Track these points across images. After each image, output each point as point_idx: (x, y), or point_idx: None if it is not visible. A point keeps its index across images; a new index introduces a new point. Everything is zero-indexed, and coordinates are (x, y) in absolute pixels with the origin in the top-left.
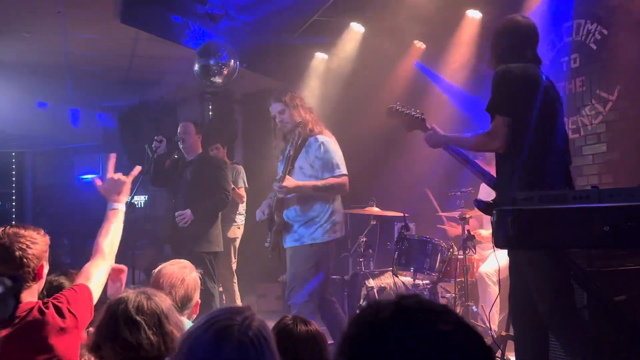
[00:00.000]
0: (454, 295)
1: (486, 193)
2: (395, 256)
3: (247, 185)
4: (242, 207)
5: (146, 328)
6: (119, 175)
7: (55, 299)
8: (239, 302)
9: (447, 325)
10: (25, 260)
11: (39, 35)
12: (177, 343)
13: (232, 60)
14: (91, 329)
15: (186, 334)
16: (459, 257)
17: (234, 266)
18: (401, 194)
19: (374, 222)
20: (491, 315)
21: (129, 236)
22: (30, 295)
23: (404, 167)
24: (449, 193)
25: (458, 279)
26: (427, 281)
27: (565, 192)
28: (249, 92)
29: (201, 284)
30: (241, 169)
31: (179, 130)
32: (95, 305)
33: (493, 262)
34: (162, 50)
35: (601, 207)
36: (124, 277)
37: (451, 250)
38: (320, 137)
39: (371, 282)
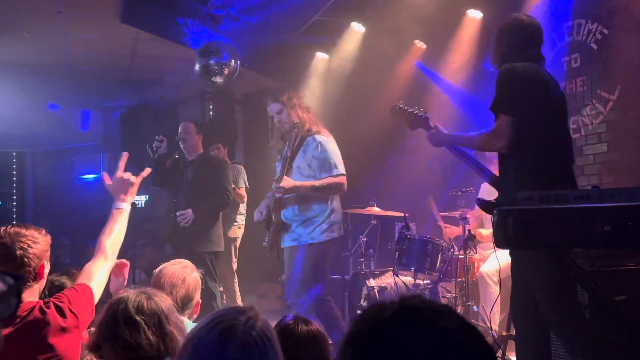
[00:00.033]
0: (454, 295)
1: (487, 193)
2: (396, 256)
3: (247, 185)
4: (242, 207)
5: (146, 328)
6: (128, 175)
7: (56, 298)
8: (239, 302)
9: (449, 324)
10: (26, 259)
11: (39, 35)
12: (181, 343)
13: (233, 60)
14: (92, 329)
15: (190, 334)
16: (460, 257)
17: (235, 266)
18: (402, 194)
19: (375, 222)
20: (492, 315)
21: (130, 236)
22: (31, 295)
23: (405, 167)
24: (450, 193)
25: (459, 279)
26: (428, 281)
27: (565, 192)
28: (249, 92)
29: (202, 284)
30: (242, 168)
31: (179, 130)
32: (97, 305)
33: (494, 261)
34: (162, 50)
35: (602, 207)
36: (126, 271)
37: (452, 250)
38: (318, 137)
39: (372, 282)
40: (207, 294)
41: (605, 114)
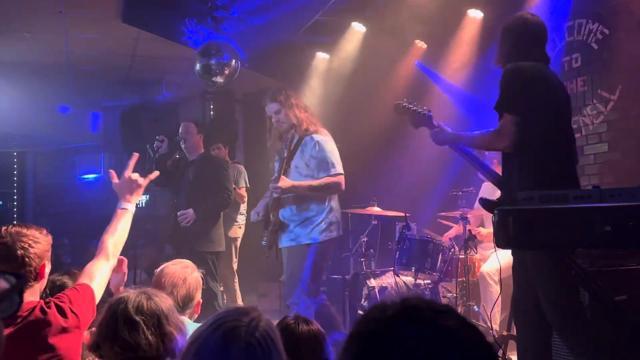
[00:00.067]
0: (455, 295)
1: (488, 193)
2: (397, 256)
3: (248, 185)
4: (243, 207)
5: (145, 328)
6: (136, 176)
7: (57, 298)
8: (240, 302)
9: (450, 323)
10: (27, 259)
11: (39, 35)
12: (181, 344)
13: (234, 60)
14: (94, 329)
15: (194, 335)
16: (460, 256)
17: (235, 266)
18: (402, 194)
19: (375, 222)
20: (493, 314)
21: (130, 236)
22: (32, 295)
23: (405, 167)
24: (450, 193)
25: (459, 279)
26: (429, 281)
27: (566, 192)
28: (249, 92)
29: (203, 284)
30: (242, 168)
31: (180, 130)
32: (98, 305)
33: (494, 261)
34: (163, 50)
35: (602, 207)
36: (125, 266)
37: (452, 250)
38: (316, 136)
39: (372, 282)
40: (209, 293)
41: (606, 113)
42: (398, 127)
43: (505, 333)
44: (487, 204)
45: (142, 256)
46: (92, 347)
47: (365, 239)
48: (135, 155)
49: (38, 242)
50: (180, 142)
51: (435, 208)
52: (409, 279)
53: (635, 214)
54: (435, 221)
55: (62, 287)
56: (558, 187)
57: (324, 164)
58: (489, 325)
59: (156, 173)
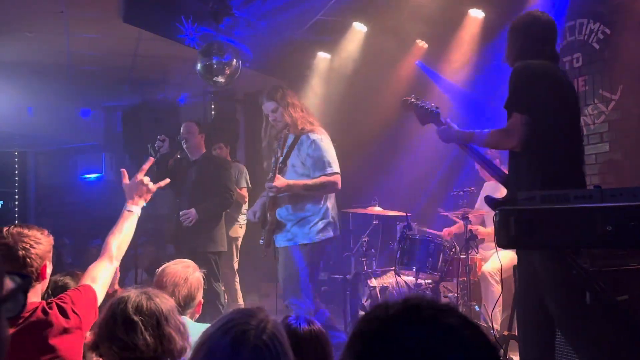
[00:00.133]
0: (456, 294)
1: (491, 191)
2: (398, 255)
3: (249, 185)
4: (244, 207)
5: (143, 329)
6: (147, 180)
7: (59, 299)
8: (241, 301)
9: (452, 322)
10: (28, 260)
11: (41, 35)
12: (180, 345)
13: (235, 60)
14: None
15: (202, 338)
16: (462, 256)
17: (236, 265)
18: (403, 194)
19: (377, 222)
20: (494, 314)
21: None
22: (34, 295)
23: (407, 167)
24: (452, 192)
25: (460, 279)
26: (430, 280)
27: (567, 192)
28: (251, 92)
29: (205, 284)
30: (244, 168)
31: (182, 130)
32: (100, 306)
33: (496, 261)
34: (164, 49)
35: (603, 207)
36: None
37: (453, 249)
38: (312, 135)
39: (373, 282)
40: (211, 293)
41: (607, 113)
42: (399, 126)
43: (506, 333)
44: (493, 202)
45: (142, 255)
46: (91, 346)
47: (367, 239)
48: (151, 160)
49: (39, 243)
50: (182, 142)
51: (436, 208)
52: (410, 278)
53: (636, 214)
54: (436, 220)
55: (64, 288)
56: (565, 186)
57: (320, 163)
58: (490, 325)
59: (167, 180)
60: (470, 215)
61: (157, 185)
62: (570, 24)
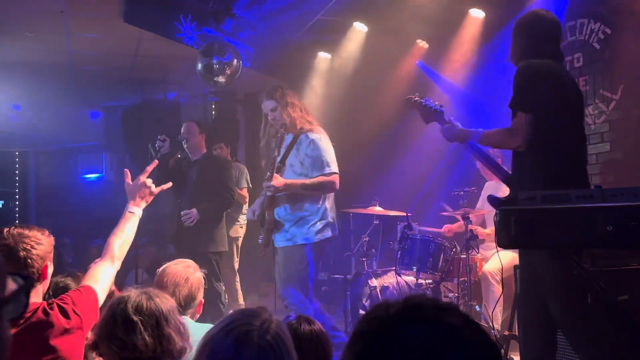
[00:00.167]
0: (456, 294)
1: (492, 191)
2: (398, 255)
3: (250, 186)
4: (245, 207)
5: (142, 329)
6: (150, 182)
7: (60, 299)
8: (241, 301)
9: (453, 321)
10: (29, 260)
11: (42, 35)
12: (179, 345)
13: (235, 60)
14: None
15: (205, 338)
16: (462, 256)
17: (236, 265)
18: (404, 194)
19: (377, 222)
20: (494, 314)
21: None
22: (35, 296)
23: (407, 167)
24: (452, 192)
25: (461, 279)
26: (430, 280)
27: (568, 192)
28: (251, 92)
29: (206, 284)
30: (244, 168)
31: (182, 130)
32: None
33: (496, 261)
34: (165, 49)
35: (604, 206)
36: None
37: (454, 249)
38: (311, 135)
39: (374, 282)
40: (212, 292)
41: (608, 113)
42: (399, 126)
43: (507, 333)
44: (496, 202)
45: (143, 256)
46: (91, 345)
47: (367, 239)
48: (155, 162)
49: (40, 244)
50: (183, 142)
51: (437, 208)
52: (410, 278)
53: (636, 214)
54: (436, 220)
55: (65, 289)
56: (569, 186)
57: (318, 163)
58: (491, 325)
59: (169, 184)
60: (470, 215)
61: (160, 188)
62: (571, 24)
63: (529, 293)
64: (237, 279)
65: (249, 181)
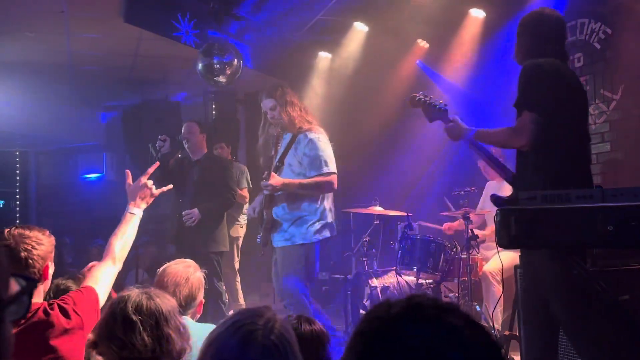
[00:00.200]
0: (457, 294)
1: (493, 191)
2: (399, 255)
3: (250, 186)
4: (245, 207)
5: (141, 329)
6: (151, 184)
7: (61, 300)
8: (242, 301)
9: (456, 321)
10: (30, 261)
11: (42, 35)
12: (179, 346)
13: (236, 60)
14: None
15: (209, 338)
16: (463, 256)
17: (237, 265)
18: (404, 193)
19: (378, 222)
20: (495, 314)
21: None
22: (36, 296)
23: (407, 167)
24: (453, 192)
25: (461, 279)
26: (431, 280)
27: (568, 192)
28: (251, 92)
29: (207, 283)
30: (245, 168)
31: (183, 130)
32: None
33: (497, 261)
34: (165, 49)
35: (605, 206)
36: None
37: (454, 249)
38: (310, 134)
39: (374, 282)
40: (213, 292)
41: (609, 113)
42: (400, 126)
43: (507, 333)
44: (500, 201)
45: (143, 255)
46: (91, 344)
47: (368, 239)
48: (156, 164)
49: (41, 244)
50: (183, 142)
51: (437, 208)
52: (411, 278)
53: (637, 214)
54: (437, 220)
55: (65, 291)
56: (571, 186)
57: (316, 162)
58: (491, 325)
59: (170, 186)
60: (471, 215)
61: (161, 190)
62: (572, 24)
63: (529, 293)
64: (238, 278)
65: (250, 181)
